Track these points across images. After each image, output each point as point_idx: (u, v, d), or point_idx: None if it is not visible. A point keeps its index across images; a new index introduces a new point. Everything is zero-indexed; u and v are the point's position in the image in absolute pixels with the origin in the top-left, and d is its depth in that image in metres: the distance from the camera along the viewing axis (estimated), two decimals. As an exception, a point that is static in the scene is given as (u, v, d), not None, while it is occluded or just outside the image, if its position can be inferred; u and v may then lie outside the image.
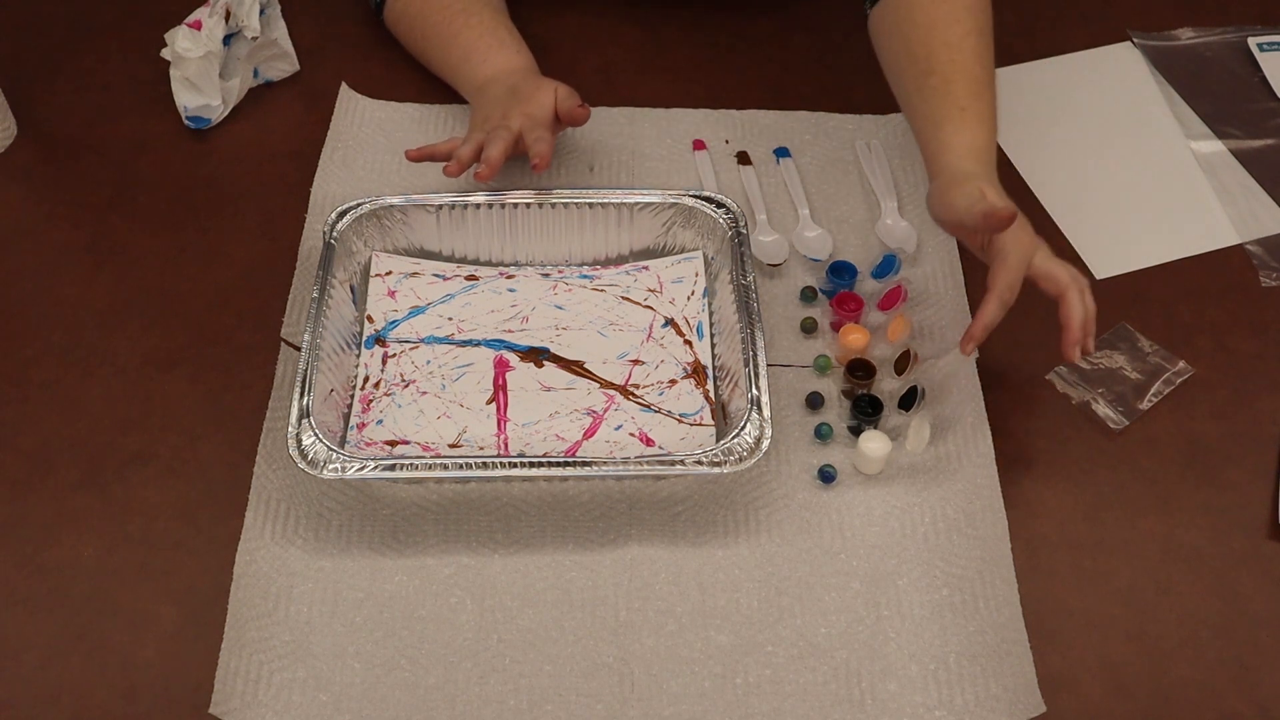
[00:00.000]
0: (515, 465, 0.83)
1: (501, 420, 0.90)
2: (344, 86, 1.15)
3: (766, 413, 0.85)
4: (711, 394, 0.92)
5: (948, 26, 0.97)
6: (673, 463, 0.83)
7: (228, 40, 1.10)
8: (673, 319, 0.97)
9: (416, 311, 0.97)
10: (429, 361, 0.94)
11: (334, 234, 0.96)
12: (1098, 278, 1.03)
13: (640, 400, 0.92)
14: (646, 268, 1.00)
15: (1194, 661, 0.82)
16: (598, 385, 0.93)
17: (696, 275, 0.99)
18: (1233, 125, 1.15)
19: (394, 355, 0.94)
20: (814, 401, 0.93)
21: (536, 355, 0.95)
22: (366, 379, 0.93)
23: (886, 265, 1.00)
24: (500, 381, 0.93)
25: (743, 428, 0.84)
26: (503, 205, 0.98)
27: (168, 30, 1.07)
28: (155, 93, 1.14)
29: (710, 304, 0.97)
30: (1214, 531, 0.88)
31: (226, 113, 1.12)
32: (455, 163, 0.96)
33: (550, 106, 1.01)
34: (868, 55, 1.06)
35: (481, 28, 1.08)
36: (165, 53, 1.08)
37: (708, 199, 0.99)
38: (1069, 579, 0.85)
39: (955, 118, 0.94)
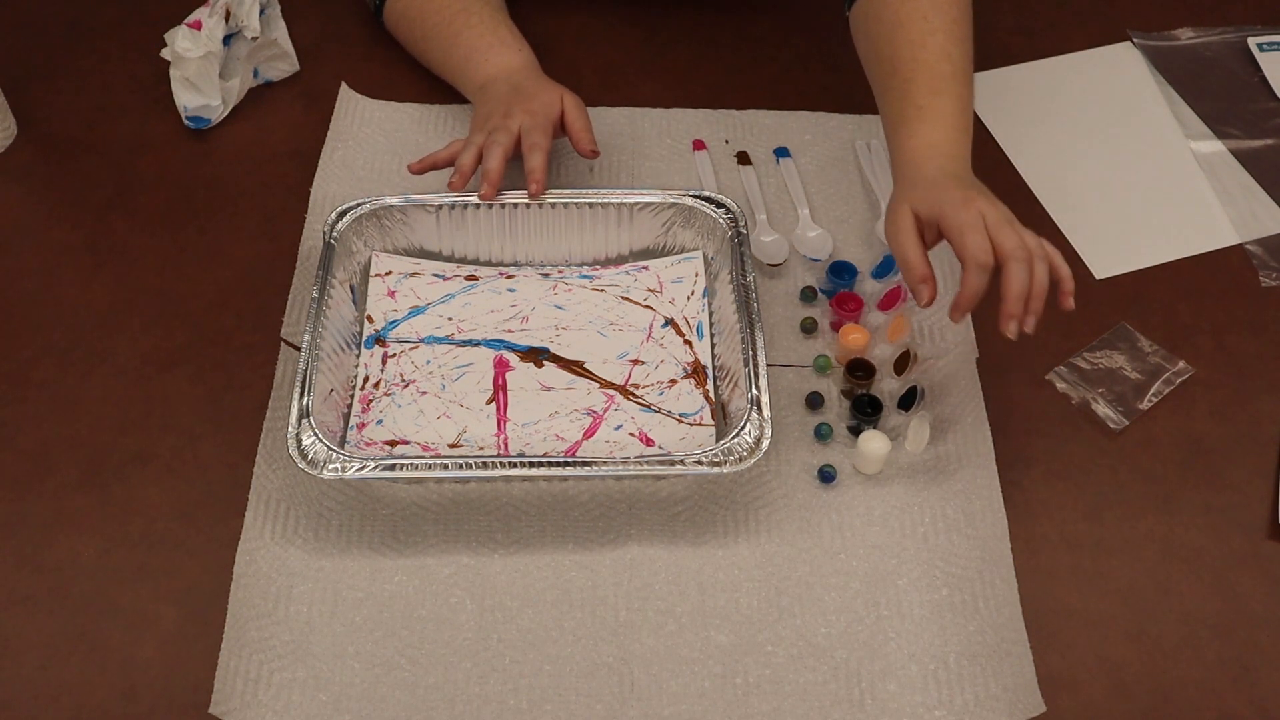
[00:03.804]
0: (515, 465, 0.83)
1: (501, 420, 0.90)
2: (344, 86, 1.15)
3: (766, 413, 0.85)
4: (711, 394, 0.92)
5: (912, 24, 0.95)
6: (673, 463, 0.83)
7: (228, 40, 1.10)
8: (672, 319, 0.97)
9: (416, 311, 0.97)
10: (429, 361, 0.94)
11: (334, 234, 0.96)
12: (1098, 278, 1.03)
13: (640, 400, 0.92)
14: (646, 268, 1.00)
15: (1194, 661, 0.82)
16: (598, 385, 0.93)
17: (696, 275, 0.99)
18: (1233, 125, 1.15)
19: (394, 355, 0.94)
20: (814, 401, 0.93)
21: (536, 355, 0.95)
22: (366, 379, 0.93)
23: (886, 265, 1.00)
24: (500, 381, 0.93)
25: (742, 428, 0.84)
26: (502, 205, 0.98)
27: (168, 30, 1.08)
28: (155, 93, 1.14)
29: (710, 304, 0.97)
30: (1214, 531, 0.88)
31: (226, 113, 1.12)
32: (458, 175, 0.96)
33: (555, 109, 1.01)
34: (867, 55, 1.06)
35: (482, 27, 1.08)
36: (165, 53, 1.08)
37: (708, 199, 0.99)
38: (1069, 579, 0.85)
39: (912, 118, 0.92)
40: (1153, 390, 0.95)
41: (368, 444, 0.88)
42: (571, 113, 1.02)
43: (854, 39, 1.04)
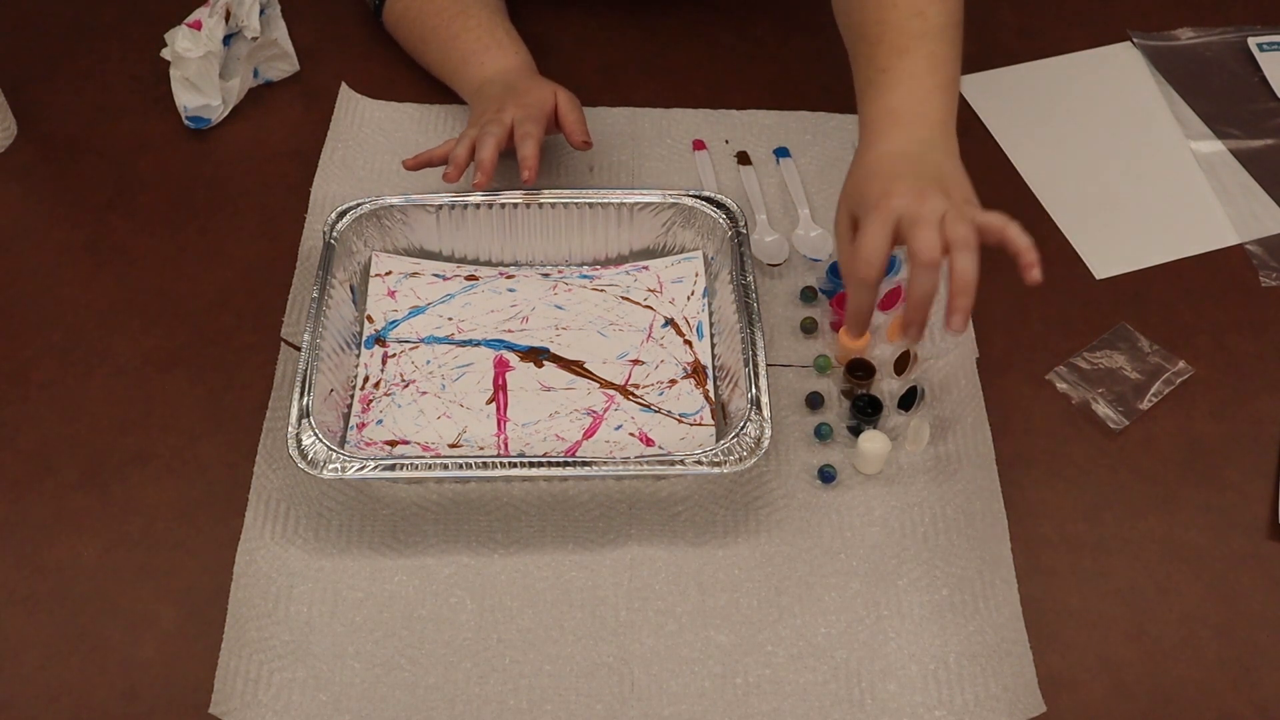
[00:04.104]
0: (515, 465, 0.83)
1: (501, 420, 0.90)
2: (344, 86, 1.15)
3: (766, 412, 0.85)
4: (711, 394, 0.92)
5: None
6: (673, 463, 0.83)
7: (228, 40, 1.10)
8: (672, 319, 0.97)
9: (416, 311, 0.97)
10: (429, 361, 0.94)
11: (334, 234, 0.96)
12: (1098, 278, 1.03)
13: (640, 400, 0.92)
14: (646, 268, 1.00)
15: (1194, 661, 0.82)
16: (598, 385, 0.93)
17: (696, 275, 0.99)
18: (1233, 125, 1.15)
19: (394, 355, 0.94)
20: (814, 401, 0.93)
21: (536, 355, 0.95)
22: (366, 379, 0.93)
23: (886, 265, 0.99)
24: (500, 381, 0.93)
25: (742, 428, 0.84)
26: (502, 205, 0.98)
27: (168, 30, 1.08)
28: (155, 93, 1.14)
29: (710, 304, 0.97)
30: (1214, 531, 0.88)
31: (226, 113, 1.12)
32: (453, 167, 0.96)
33: (548, 103, 1.01)
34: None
35: (480, 29, 1.08)
36: (165, 53, 1.08)
37: (708, 199, 0.99)
38: (1069, 579, 0.85)
39: (875, 83, 0.87)
40: (1153, 390, 0.95)
41: (368, 444, 0.88)
42: (564, 106, 1.02)
43: (834, 11, 1.00)
